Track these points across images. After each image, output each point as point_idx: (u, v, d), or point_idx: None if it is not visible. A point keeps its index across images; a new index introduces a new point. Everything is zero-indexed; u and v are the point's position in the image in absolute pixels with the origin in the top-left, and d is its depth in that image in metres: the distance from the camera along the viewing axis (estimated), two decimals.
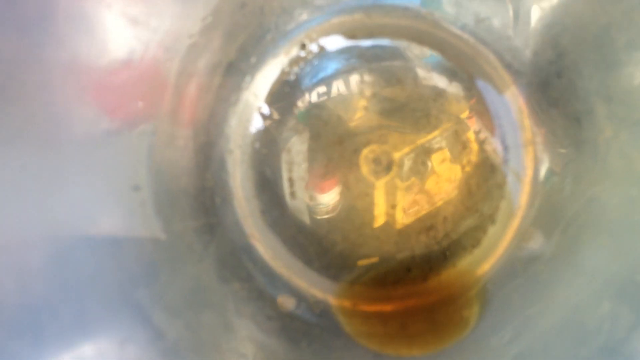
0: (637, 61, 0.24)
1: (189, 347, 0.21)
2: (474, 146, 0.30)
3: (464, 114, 0.30)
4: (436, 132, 0.30)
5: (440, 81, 0.30)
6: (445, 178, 0.30)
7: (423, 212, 0.30)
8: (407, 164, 0.30)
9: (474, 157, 0.30)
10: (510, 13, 0.28)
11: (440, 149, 0.30)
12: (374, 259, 0.29)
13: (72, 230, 0.21)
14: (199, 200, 0.27)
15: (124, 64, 0.21)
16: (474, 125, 0.30)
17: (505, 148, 0.30)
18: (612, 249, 0.25)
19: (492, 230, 0.30)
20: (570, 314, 0.25)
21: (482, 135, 0.30)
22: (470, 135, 0.30)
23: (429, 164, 0.30)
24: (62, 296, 0.19)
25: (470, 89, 0.30)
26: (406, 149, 0.30)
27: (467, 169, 0.30)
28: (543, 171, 0.29)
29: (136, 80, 0.22)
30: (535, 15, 0.27)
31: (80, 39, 0.21)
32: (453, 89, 0.30)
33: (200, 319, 0.23)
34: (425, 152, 0.30)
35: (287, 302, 0.28)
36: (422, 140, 0.30)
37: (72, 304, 0.19)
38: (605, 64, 0.25)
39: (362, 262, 0.29)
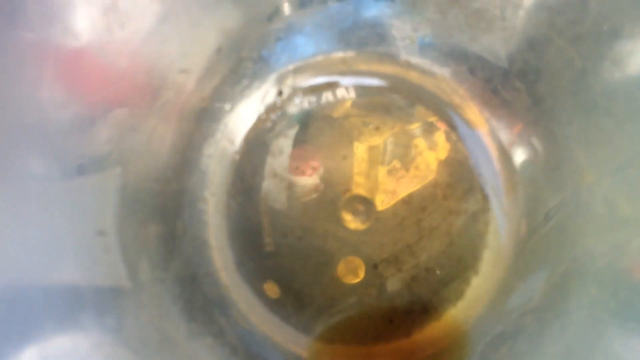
0: (614, 106, 0.24)
1: None
2: (451, 195, 0.29)
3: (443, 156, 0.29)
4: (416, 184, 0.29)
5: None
6: (421, 222, 0.29)
7: (403, 260, 0.29)
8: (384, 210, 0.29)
9: (453, 204, 0.29)
10: (491, 63, 0.28)
11: (414, 196, 0.29)
12: (355, 313, 0.28)
13: (27, 277, 0.19)
14: (168, 250, 0.25)
15: (94, 43, 0.20)
16: (447, 172, 0.29)
17: (485, 196, 0.29)
18: (601, 298, 0.24)
19: (475, 282, 0.29)
20: None
21: (458, 182, 0.29)
22: (442, 185, 0.29)
23: (405, 210, 0.29)
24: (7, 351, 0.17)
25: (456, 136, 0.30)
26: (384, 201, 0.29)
27: (447, 216, 0.29)
28: (524, 222, 0.28)
29: (108, 63, 0.21)
30: (511, 62, 0.27)
31: (50, 20, 0.20)
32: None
33: None
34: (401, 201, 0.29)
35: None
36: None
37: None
38: (583, 109, 0.25)
39: (342, 316, 0.28)
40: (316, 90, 0.29)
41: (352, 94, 0.29)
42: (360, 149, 0.29)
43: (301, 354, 0.27)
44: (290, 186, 0.29)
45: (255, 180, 0.28)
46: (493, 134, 0.29)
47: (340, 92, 0.29)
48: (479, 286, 0.28)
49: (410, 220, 0.29)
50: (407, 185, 0.29)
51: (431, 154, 0.29)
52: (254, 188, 0.28)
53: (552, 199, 0.27)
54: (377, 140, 0.29)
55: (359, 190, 0.29)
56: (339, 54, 0.29)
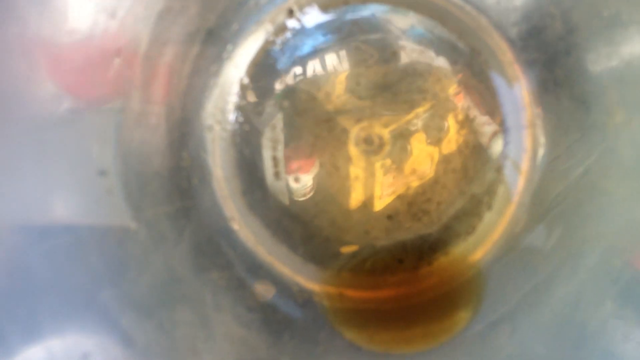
0: None
1: (161, 351, 0.20)
2: (469, 125, 0.28)
3: (452, 90, 0.28)
4: (425, 108, 0.27)
5: (428, 56, 0.28)
6: (435, 155, 0.28)
7: (415, 193, 0.28)
8: (397, 141, 0.28)
9: (470, 136, 0.28)
10: None
11: (428, 126, 0.27)
12: (363, 246, 0.27)
13: (26, 223, 0.18)
14: (174, 182, 0.24)
15: (87, 37, 0.19)
16: (466, 102, 0.28)
17: (505, 129, 0.28)
18: (617, 245, 0.23)
19: (487, 217, 0.28)
20: (570, 311, 0.23)
21: (476, 114, 0.28)
22: (461, 114, 0.28)
23: (419, 141, 0.28)
24: (13, 299, 0.17)
25: (463, 63, 0.28)
26: (395, 126, 0.28)
27: (463, 148, 0.28)
28: (543, 156, 0.27)
29: (101, 55, 0.20)
30: None
31: (40, 12, 0.18)
32: (441, 63, 0.28)
33: (174, 317, 0.21)
34: (415, 130, 0.28)
35: (266, 291, 0.26)
36: (411, 116, 0.27)
37: (24, 309, 0.17)
38: (620, 43, 0.23)
39: (349, 249, 0.27)
40: (327, 6, 0.27)
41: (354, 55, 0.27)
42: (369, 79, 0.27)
43: (308, 285, 0.27)
44: (302, 114, 0.27)
45: (263, 107, 0.27)
46: (518, 63, 0.27)
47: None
48: (491, 222, 0.28)
49: (424, 151, 0.28)
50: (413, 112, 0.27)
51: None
52: (262, 115, 0.27)
53: (577, 137, 0.25)
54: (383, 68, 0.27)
55: (371, 121, 0.27)
56: None
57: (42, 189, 0.19)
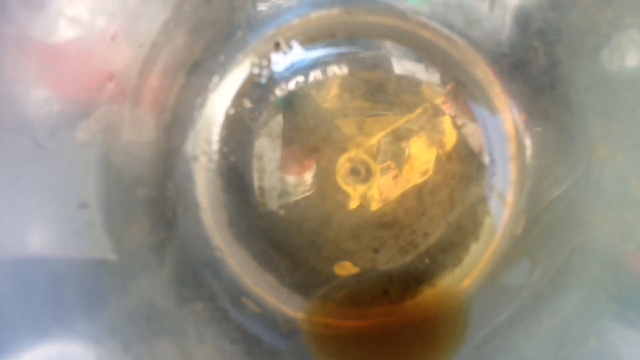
0: (638, 79, 0.22)
1: None
2: (455, 156, 0.28)
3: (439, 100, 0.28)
4: (413, 117, 0.28)
5: (414, 84, 0.28)
6: (422, 187, 0.28)
7: (402, 225, 0.28)
8: (384, 173, 0.28)
9: (456, 167, 0.28)
10: (505, 18, 0.25)
11: (416, 156, 0.28)
12: (349, 277, 0.27)
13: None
14: (158, 213, 0.25)
15: (78, 43, 0.19)
16: (453, 134, 0.28)
17: (491, 161, 0.28)
18: (602, 281, 0.23)
19: (474, 248, 0.28)
20: (555, 347, 0.23)
21: (463, 146, 0.28)
22: (448, 144, 0.28)
23: (406, 171, 0.28)
24: None
25: (450, 95, 0.28)
26: (383, 157, 0.28)
27: (449, 179, 0.28)
28: (529, 188, 0.27)
29: (92, 64, 0.20)
30: (530, 20, 0.25)
31: (32, 14, 0.18)
32: (427, 94, 0.28)
33: (154, 350, 0.21)
34: (402, 160, 0.28)
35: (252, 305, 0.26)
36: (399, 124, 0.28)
37: None
38: (604, 78, 0.23)
39: (338, 275, 0.27)
40: (314, 40, 0.27)
41: (345, 70, 0.27)
42: (355, 107, 0.27)
43: (294, 315, 0.27)
44: (287, 144, 0.27)
45: (248, 138, 0.27)
46: (504, 94, 0.27)
47: (332, 69, 0.27)
48: (478, 253, 0.28)
49: (410, 182, 0.28)
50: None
51: (436, 142, 0.27)
52: (248, 146, 0.27)
53: (561, 169, 0.26)
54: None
55: (359, 151, 0.28)
56: (342, 8, 0.27)
57: (18, 221, 0.19)
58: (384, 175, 0.27)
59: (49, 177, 0.19)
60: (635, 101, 0.23)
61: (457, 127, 0.28)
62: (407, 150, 0.28)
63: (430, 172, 0.27)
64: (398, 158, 0.27)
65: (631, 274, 0.22)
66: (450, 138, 0.28)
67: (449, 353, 0.25)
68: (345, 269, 0.27)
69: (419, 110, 0.27)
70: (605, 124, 0.24)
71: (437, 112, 0.27)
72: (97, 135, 0.21)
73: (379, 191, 0.27)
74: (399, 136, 0.27)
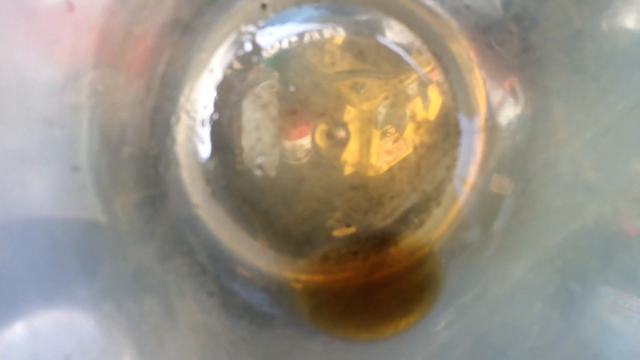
0: (602, 73, 0.24)
1: (131, 341, 0.21)
2: (425, 125, 0.29)
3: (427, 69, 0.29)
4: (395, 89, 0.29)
5: (396, 52, 0.29)
6: (393, 152, 0.29)
7: (371, 187, 0.29)
8: (360, 136, 0.29)
9: (425, 136, 0.29)
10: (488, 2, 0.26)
11: (390, 120, 0.29)
12: (320, 236, 0.29)
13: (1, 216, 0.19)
14: (142, 172, 0.25)
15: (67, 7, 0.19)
16: (424, 103, 0.29)
17: (459, 132, 0.29)
18: (549, 253, 0.26)
19: (436, 212, 0.30)
20: (503, 309, 0.26)
21: (433, 116, 0.29)
22: (419, 114, 0.29)
23: (380, 137, 0.29)
24: None
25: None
26: (358, 118, 0.29)
27: (418, 146, 0.29)
28: (490, 161, 0.29)
29: (81, 28, 0.19)
30: (509, 4, 0.26)
31: None
32: (409, 60, 0.29)
33: (142, 308, 0.22)
34: (378, 125, 0.29)
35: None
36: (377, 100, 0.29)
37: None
38: (571, 68, 0.25)
39: (310, 233, 0.29)
40: (300, 2, 0.27)
41: (336, 31, 0.27)
42: (336, 74, 0.28)
43: (267, 270, 0.29)
44: (267, 105, 0.28)
45: (230, 98, 0.27)
46: (477, 72, 0.29)
47: (322, 30, 0.27)
48: (439, 217, 0.30)
49: (382, 148, 0.29)
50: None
51: (414, 102, 0.29)
52: (230, 105, 0.27)
53: (523, 148, 0.28)
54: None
55: (335, 114, 0.29)
56: None
57: (18, 184, 0.19)
58: (382, 139, 0.28)
59: (45, 142, 0.20)
60: (596, 93, 0.25)
61: (429, 98, 0.29)
62: (393, 107, 0.29)
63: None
64: (385, 114, 0.29)
65: (578, 251, 0.25)
66: (425, 104, 0.29)
67: (422, 311, 0.27)
68: (318, 226, 0.29)
69: (403, 75, 0.29)
70: (567, 110, 0.26)
71: (418, 81, 0.29)
72: (88, 99, 0.21)
73: (353, 154, 0.29)
74: (394, 102, 0.29)
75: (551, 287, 0.25)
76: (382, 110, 0.29)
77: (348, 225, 0.29)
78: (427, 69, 0.29)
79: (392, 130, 0.29)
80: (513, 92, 0.28)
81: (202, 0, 0.25)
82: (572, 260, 0.25)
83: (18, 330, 0.18)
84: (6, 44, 0.18)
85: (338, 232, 0.29)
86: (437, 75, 0.29)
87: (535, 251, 0.26)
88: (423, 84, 0.29)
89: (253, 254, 0.29)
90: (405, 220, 0.30)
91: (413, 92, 0.29)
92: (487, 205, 0.29)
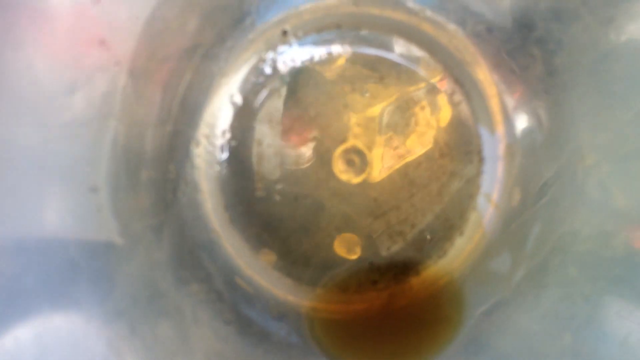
0: (631, 96, 0.23)
1: None
2: (448, 152, 0.29)
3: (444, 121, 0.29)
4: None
5: (415, 79, 0.28)
6: (415, 180, 0.29)
7: (392, 215, 0.29)
8: (380, 164, 0.29)
9: (448, 163, 0.29)
10: (508, 23, 0.26)
11: (411, 150, 0.29)
12: (339, 264, 0.28)
13: (19, 235, 0.19)
14: (160, 195, 0.25)
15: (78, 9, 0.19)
16: (447, 132, 0.29)
17: (481, 159, 0.29)
18: (578, 282, 0.25)
19: (459, 242, 0.29)
20: (531, 341, 0.25)
21: (455, 142, 0.29)
22: (442, 141, 0.29)
23: (401, 166, 0.29)
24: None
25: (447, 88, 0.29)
26: (379, 148, 0.28)
27: (440, 174, 0.29)
28: (515, 189, 0.28)
29: (106, 46, 0.20)
30: (531, 28, 0.26)
31: None
32: (428, 88, 0.29)
33: (157, 332, 0.21)
34: (398, 155, 0.29)
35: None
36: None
37: (13, 320, 0.17)
38: (598, 91, 0.25)
39: (329, 261, 0.28)
40: (320, 30, 0.28)
41: (349, 50, 0.27)
42: (359, 104, 0.28)
43: (284, 298, 0.28)
44: (287, 131, 0.28)
45: (250, 124, 0.27)
46: (500, 98, 0.28)
47: (336, 49, 0.27)
48: (462, 247, 0.29)
49: (403, 175, 0.29)
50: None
51: (432, 119, 0.28)
52: (249, 131, 0.27)
53: (548, 173, 0.27)
54: (374, 109, 0.28)
55: (356, 141, 0.28)
56: None
57: (38, 203, 0.19)
58: (386, 146, 0.28)
59: (64, 162, 0.20)
60: (625, 115, 0.24)
61: (451, 124, 0.29)
62: (414, 132, 0.28)
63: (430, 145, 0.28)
64: (405, 139, 0.28)
65: (608, 279, 0.24)
66: (447, 130, 0.29)
67: (444, 341, 0.26)
68: (336, 255, 0.28)
69: (422, 96, 0.28)
70: (594, 133, 0.25)
71: (438, 102, 0.28)
72: (109, 118, 0.21)
73: (374, 182, 0.28)
74: (405, 116, 0.28)
75: (581, 318, 0.24)
76: (402, 136, 0.28)
77: (367, 255, 0.28)
78: (449, 95, 0.29)
79: (415, 158, 0.29)
80: (537, 117, 0.27)
81: (224, 25, 0.25)
82: (602, 290, 0.24)
83: (27, 345, 0.17)
84: (12, 45, 0.18)
85: (354, 257, 0.28)
86: (461, 102, 0.29)
87: (564, 281, 0.25)
88: (445, 110, 0.28)
89: (270, 282, 0.28)
90: (427, 249, 0.29)
91: (435, 118, 0.28)
92: (511, 234, 0.28)
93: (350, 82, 0.28)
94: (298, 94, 0.27)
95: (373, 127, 0.28)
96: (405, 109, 0.28)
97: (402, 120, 0.28)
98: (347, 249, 0.29)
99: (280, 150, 0.28)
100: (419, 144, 0.29)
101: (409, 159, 0.28)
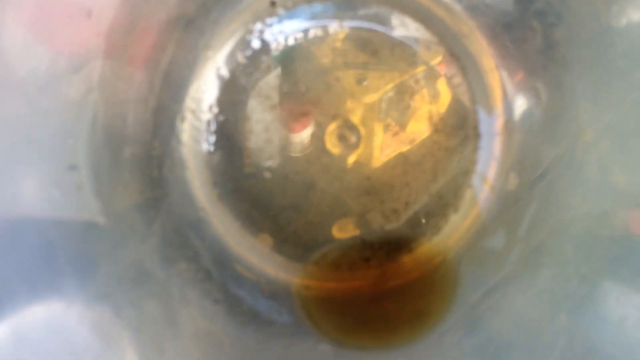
0: (633, 71, 0.23)
1: (129, 348, 0.20)
2: (442, 128, 0.28)
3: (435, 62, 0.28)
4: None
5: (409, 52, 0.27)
6: (408, 156, 0.28)
7: (385, 192, 0.28)
8: (372, 139, 0.28)
9: (442, 139, 0.28)
10: None
11: (404, 122, 0.28)
12: (331, 242, 0.28)
13: None
14: (144, 172, 0.24)
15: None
16: (441, 103, 0.28)
17: (478, 135, 0.28)
18: (575, 262, 0.24)
19: (453, 219, 0.28)
20: (527, 321, 0.24)
21: (451, 117, 0.28)
22: (436, 116, 0.28)
23: (394, 140, 0.28)
24: None
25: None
26: (372, 120, 0.28)
27: (435, 150, 0.28)
28: (512, 165, 0.28)
29: (81, 18, 0.19)
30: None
31: None
32: (425, 57, 0.28)
33: (143, 314, 0.21)
34: (391, 127, 0.28)
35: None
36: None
37: None
38: (599, 65, 0.24)
39: (320, 239, 0.28)
40: (311, 0, 0.26)
41: (341, 24, 0.26)
42: (352, 79, 0.27)
43: (275, 276, 0.27)
44: (276, 106, 0.27)
45: (238, 98, 0.26)
46: (497, 72, 0.27)
47: (328, 22, 0.26)
48: (456, 224, 0.28)
49: (397, 152, 0.28)
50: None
51: (432, 106, 0.27)
52: (237, 106, 0.26)
53: (546, 151, 0.26)
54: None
55: (349, 117, 0.27)
56: None
57: (11, 183, 0.18)
58: (385, 132, 0.27)
59: (41, 138, 0.19)
60: (626, 92, 0.23)
61: (446, 98, 0.28)
62: (408, 108, 0.28)
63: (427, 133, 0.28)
64: (399, 115, 0.27)
65: (605, 258, 0.23)
66: (442, 105, 0.28)
67: (436, 320, 0.26)
68: (329, 233, 0.28)
69: (417, 70, 0.27)
70: (594, 109, 0.24)
71: (432, 76, 0.27)
72: (89, 93, 0.20)
73: (366, 158, 0.28)
74: (400, 92, 0.27)
75: (577, 299, 0.23)
76: (396, 112, 0.28)
77: (360, 232, 0.28)
78: (445, 68, 0.28)
79: (408, 133, 0.28)
80: (536, 92, 0.26)
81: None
82: (599, 271, 0.23)
83: (4, 333, 0.17)
84: (4, 32, 0.18)
85: (346, 235, 0.28)
86: (455, 75, 0.28)
87: (561, 260, 0.25)
88: (440, 84, 0.28)
89: (260, 260, 0.27)
90: (420, 226, 0.28)
91: (429, 92, 0.28)
92: (507, 212, 0.28)
93: (343, 57, 0.27)
94: (288, 69, 0.26)
95: (369, 107, 0.27)
96: (403, 93, 0.27)
97: (401, 105, 0.27)
98: (340, 227, 0.28)
99: (269, 126, 0.27)
100: (418, 128, 0.28)
101: (409, 145, 0.27)
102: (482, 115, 0.28)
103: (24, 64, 0.18)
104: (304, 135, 0.27)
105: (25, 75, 0.18)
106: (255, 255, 0.27)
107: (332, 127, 0.27)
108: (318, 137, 0.27)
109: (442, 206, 0.28)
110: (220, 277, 0.26)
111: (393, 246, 0.28)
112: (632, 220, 0.23)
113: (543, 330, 0.24)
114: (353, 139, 0.27)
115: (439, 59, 0.28)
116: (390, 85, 0.27)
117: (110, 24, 0.21)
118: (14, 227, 0.18)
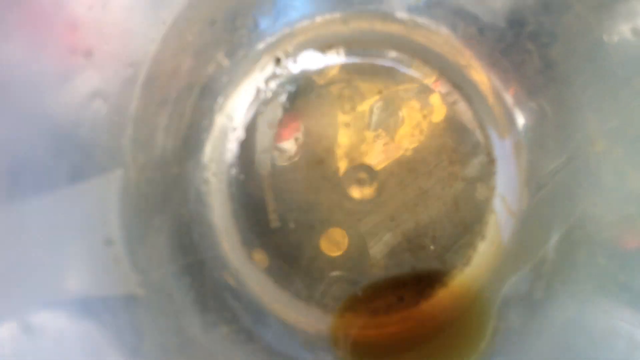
0: (633, 76, 0.23)
1: None
2: (457, 157, 0.29)
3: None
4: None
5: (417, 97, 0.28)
6: (426, 190, 0.28)
7: (409, 229, 0.28)
8: (390, 179, 0.28)
9: (457, 168, 0.28)
10: (498, 22, 0.26)
11: (417, 160, 0.28)
12: (364, 286, 0.28)
13: (37, 294, 0.18)
14: (175, 240, 0.24)
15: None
16: (454, 136, 0.28)
17: (492, 160, 0.29)
18: (611, 270, 0.24)
19: (482, 247, 0.29)
20: (570, 339, 0.24)
21: (463, 146, 0.28)
22: (450, 147, 0.28)
23: (411, 178, 0.28)
24: None
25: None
26: (386, 163, 0.28)
27: (452, 181, 0.28)
28: (529, 183, 0.28)
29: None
30: (523, 23, 0.26)
31: None
32: (433, 100, 0.28)
33: None
34: (406, 166, 0.28)
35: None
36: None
37: None
38: (599, 76, 0.24)
39: (353, 291, 0.28)
40: (314, 51, 0.28)
41: (344, 58, 0.27)
42: (357, 117, 0.28)
43: (314, 328, 0.27)
44: (294, 158, 0.27)
45: (256, 156, 0.27)
46: (500, 96, 0.28)
47: (333, 57, 0.27)
48: (486, 251, 0.29)
49: (415, 187, 0.28)
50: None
51: (426, 118, 0.28)
52: (256, 164, 0.27)
53: (559, 165, 0.27)
54: (366, 105, 0.28)
55: (363, 159, 0.28)
56: (339, 14, 0.27)
57: (54, 264, 0.19)
58: (415, 178, 0.28)
59: (77, 216, 0.19)
60: (630, 97, 0.24)
61: (458, 130, 0.28)
62: (435, 151, 0.28)
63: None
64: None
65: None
66: (453, 135, 0.28)
67: (476, 354, 0.25)
68: (360, 277, 0.28)
69: (427, 112, 0.28)
70: (602, 119, 0.25)
71: (438, 109, 0.28)
72: (115, 169, 0.20)
73: (386, 198, 0.28)
74: (423, 140, 0.28)
75: (620, 306, 0.23)
76: (412, 150, 0.28)
77: (390, 272, 0.28)
78: (450, 99, 0.28)
79: (425, 167, 0.28)
80: (542, 110, 0.27)
81: (218, 60, 0.25)
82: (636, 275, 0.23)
83: None
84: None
85: (382, 281, 0.28)
86: (461, 107, 0.28)
87: (595, 271, 0.24)
88: (447, 116, 0.28)
89: (298, 313, 0.27)
90: (450, 259, 0.28)
91: (438, 126, 0.28)
92: (532, 233, 0.28)
93: (351, 102, 0.28)
94: (298, 116, 0.27)
95: (383, 148, 0.28)
96: (398, 110, 0.28)
97: (414, 140, 0.28)
98: (370, 269, 0.28)
99: (289, 178, 0.27)
100: (433, 162, 0.28)
101: (427, 180, 0.28)
102: (493, 139, 0.28)
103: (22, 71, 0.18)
104: (334, 192, 0.27)
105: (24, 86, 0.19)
106: (292, 310, 0.27)
107: (349, 172, 0.28)
108: (336, 183, 0.28)
109: (468, 235, 0.29)
110: (262, 337, 0.26)
111: (426, 282, 0.28)
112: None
113: (587, 342, 0.23)
114: (371, 181, 0.28)
115: (444, 90, 0.28)
116: (405, 124, 0.28)
117: (130, 100, 0.22)
118: (63, 308, 0.18)
